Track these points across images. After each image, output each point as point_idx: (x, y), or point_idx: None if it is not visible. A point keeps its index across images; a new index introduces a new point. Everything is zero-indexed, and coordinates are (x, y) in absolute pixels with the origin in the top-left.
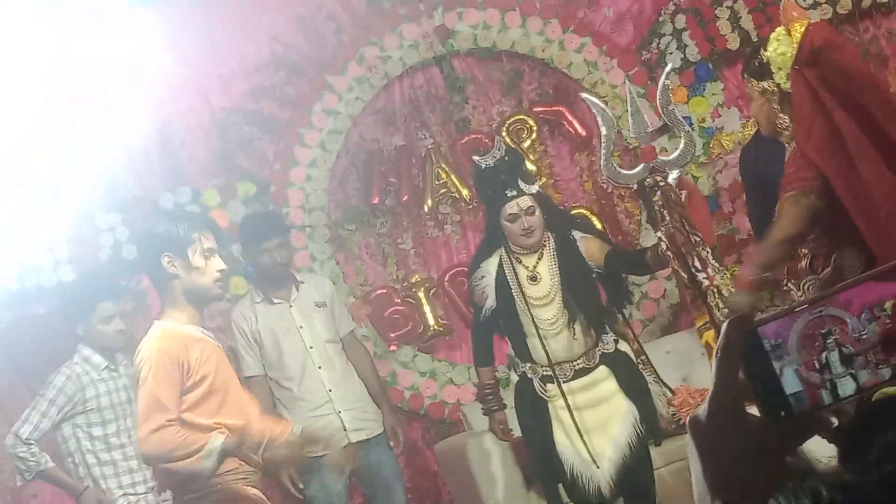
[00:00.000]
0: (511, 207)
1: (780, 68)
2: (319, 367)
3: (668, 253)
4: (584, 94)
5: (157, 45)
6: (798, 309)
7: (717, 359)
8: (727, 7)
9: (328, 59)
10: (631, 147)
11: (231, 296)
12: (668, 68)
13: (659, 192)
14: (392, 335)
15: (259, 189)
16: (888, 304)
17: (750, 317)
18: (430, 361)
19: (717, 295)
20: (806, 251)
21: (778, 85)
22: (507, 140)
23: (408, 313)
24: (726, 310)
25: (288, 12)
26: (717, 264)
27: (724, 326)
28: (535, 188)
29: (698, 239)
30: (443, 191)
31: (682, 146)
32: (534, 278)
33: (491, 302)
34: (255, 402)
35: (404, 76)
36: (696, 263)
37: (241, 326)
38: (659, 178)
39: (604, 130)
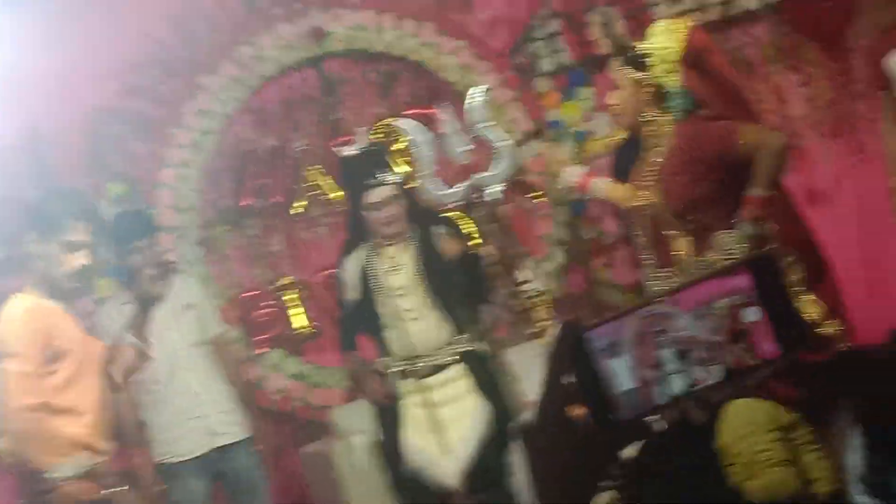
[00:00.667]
0: (372, 196)
1: (662, 62)
2: (187, 371)
3: (494, 267)
4: (399, 121)
5: (29, 41)
6: (633, 309)
7: (546, 364)
8: (600, 12)
9: (202, 58)
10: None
11: (98, 298)
12: (484, 87)
13: (483, 209)
14: (260, 338)
15: (130, 189)
16: (722, 303)
17: (580, 321)
18: (300, 364)
19: (541, 304)
20: (682, 232)
21: (654, 79)
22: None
23: (277, 316)
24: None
25: (162, 11)
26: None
27: (556, 331)
28: (397, 177)
29: (522, 251)
30: (315, 192)
31: (501, 163)
32: (394, 268)
33: (354, 293)
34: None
35: (279, 77)
36: (520, 276)
37: (108, 329)
38: (480, 196)
39: (424, 150)
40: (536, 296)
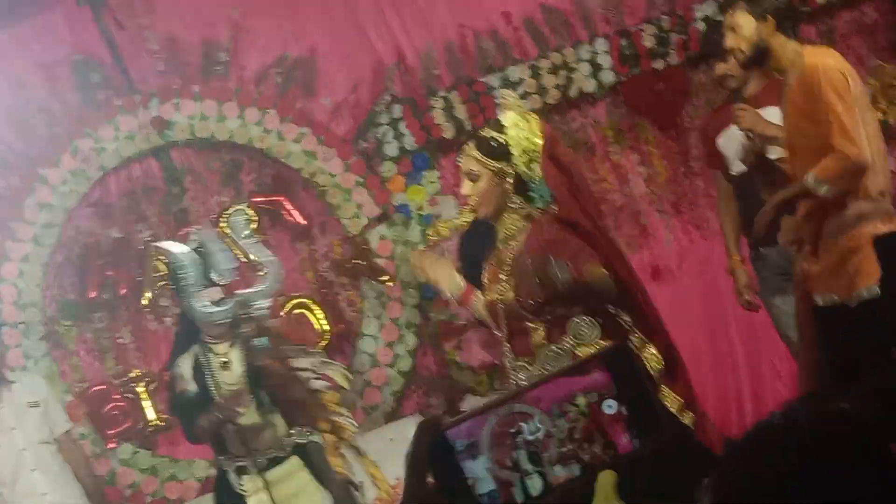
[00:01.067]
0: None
1: (524, 152)
2: (33, 470)
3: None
4: (161, 243)
5: None
6: (490, 407)
7: (405, 464)
8: (441, 97)
9: (40, 152)
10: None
11: None
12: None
13: (250, 324)
14: (110, 432)
15: None
16: (580, 400)
17: (438, 420)
18: (151, 457)
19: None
20: (538, 324)
21: (516, 168)
22: (228, 231)
23: (127, 409)
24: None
25: None
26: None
27: (415, 430)
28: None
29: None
30: (161, 283)
31: (267, 276)
32: (224, 364)
33: (191, 388)
34: None
35: (121, 168)
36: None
37: None
38: (248, 312)
39: (189, 270)
40: (324, 391)
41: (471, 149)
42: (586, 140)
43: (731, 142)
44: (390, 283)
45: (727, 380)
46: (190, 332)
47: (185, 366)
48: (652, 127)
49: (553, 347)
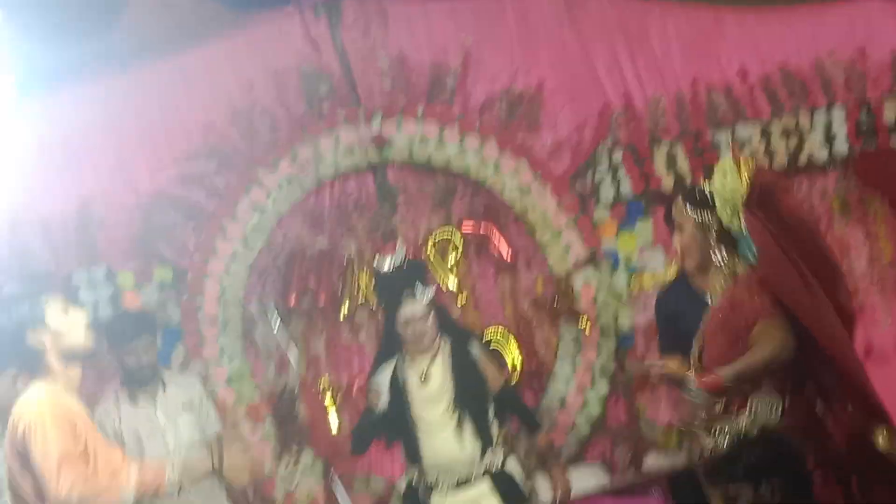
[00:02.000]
0: (405, 313)
1: (725, 201)
2: None
3: None
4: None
5: (88, 116)
6: None
7: None
8: (664, 147)
9: (260, 153)
10: None
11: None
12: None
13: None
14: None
15: (175, 276)
16: None
17: None
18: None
19: None
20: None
21: (719, 219)
22: (432, 255)
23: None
24: None
25: (224, 103)
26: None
27: None
28: (430, 293)
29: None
30: (361, 300)
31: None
32: (425, 378)
33: (383, 403)
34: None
35: (336, 180)
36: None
37: (104, 424)
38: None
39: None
40: None
41: (679, 199)
42: (811, 209)
43: None
44: (589, 328)
45: None
46: (393, 345)
47: (382, 378)
48: (882, 203)
49: (727, 422)
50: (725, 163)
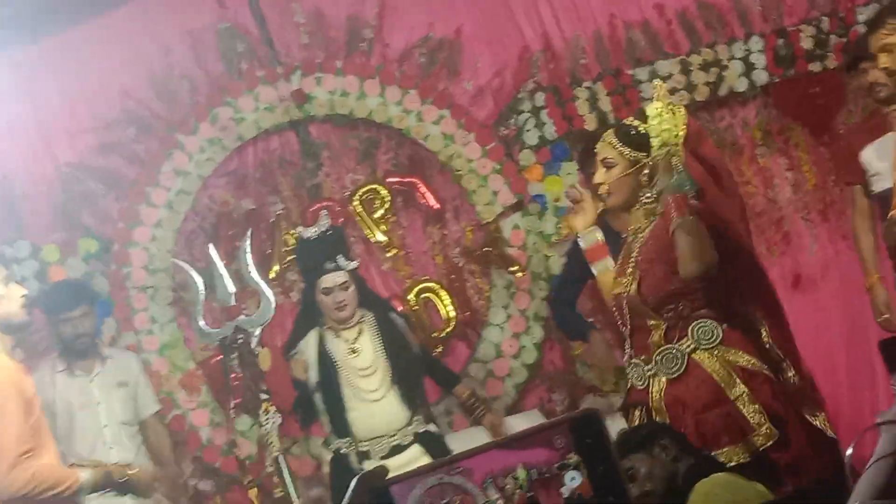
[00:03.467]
0: (326, 281)
1: (663, 144)
2: (111, 448)
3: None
4: (175, 259)
5: (3, 91)
6: (421, 473)
7: None
8: (586, 88)
9: (180, 117)
10: None
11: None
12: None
13: (236, 351)
14: (233, 403)
15: (101, 247)
16: (520, 474)
17: (381, 474)
18: None
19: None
20: (659, 322)
21: (655, 159)
22: (360, 209)
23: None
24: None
25: (141, 69)
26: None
27: (353, 482)
28: (352, 265)
29: (266, 397)
30: (290, 258)
31: (261, 306)
32: (354, 351)
33: (314, 376)
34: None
35: (258, 139)
36: (264, 417)
37: (43, 394)
38: (240, 337)
39: (201, 289)
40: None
41: (610, 136)
42: (733, 140)
43: (884, 150)
44: (520, 274)
45: (864, 396)
46: (312, 315)
47: (308, 350)
48: (803, 131)
49: (669, 348)
50: (660, 105)
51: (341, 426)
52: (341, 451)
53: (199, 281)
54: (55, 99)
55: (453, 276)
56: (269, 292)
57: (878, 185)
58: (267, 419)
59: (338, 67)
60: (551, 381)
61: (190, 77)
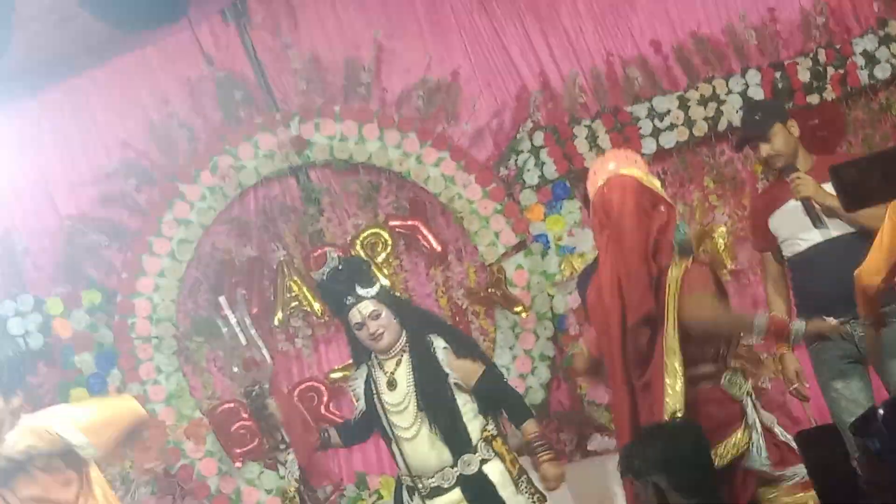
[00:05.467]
0: (354, 316)
1: None
2: None
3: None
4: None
5: (4, 147)
6: None
7: None
8: (585, 126)
9: (180, 167)
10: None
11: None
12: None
13: (253, 402)
14: (238, 451)
15: (105, 298)
16: None
17: None
18: (277, 479)
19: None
20: None
21: None
22: (362, 254)
23: (255, 429)
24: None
25: (140, 118)
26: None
27: None
28: (374, 290)
29: (284, 446)
30: (294, 304)
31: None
32: (391, 383)
33: (360, 406)
34: None
35: (259, 186)
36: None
37: None
38: (256, 388)
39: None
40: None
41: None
42: (734, 175)
43: (787, 218)
44: (525, 314)
45: None
46: (359, 353)
47: (358, 381)
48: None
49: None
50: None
51: (394, 457)
52: (400, 482)
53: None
54: (56, 151)
55: (458, 319)
56: (263, 350)
57: (788, 251)
58: (287, 467)
59: (336, 112)
60: (559, 421)
61: (189, 125)
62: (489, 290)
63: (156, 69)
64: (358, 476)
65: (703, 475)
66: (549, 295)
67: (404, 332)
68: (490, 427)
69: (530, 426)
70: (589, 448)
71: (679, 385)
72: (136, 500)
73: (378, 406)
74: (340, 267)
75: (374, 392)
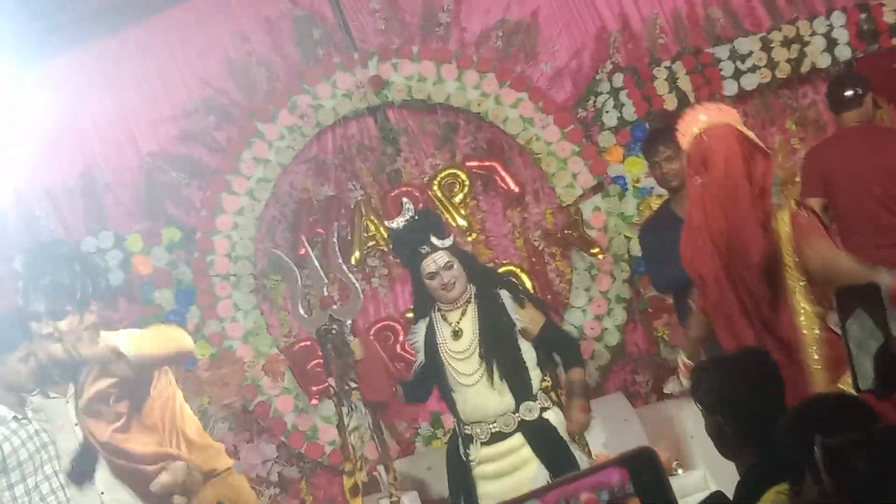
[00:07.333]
0: (428, 265)
1: None
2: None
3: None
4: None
5: (87, 85)
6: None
7: None
8: (665, 67)
9: (259, 105)
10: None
11: None
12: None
13: (330, 342)
14: (314, 389)
15: (184, 235)
16: (583, 496)
17: None
18: (356, 418)
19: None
20: None
21: None
22: (439, 194)
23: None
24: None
25: (220, 57)
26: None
27: None
28: (448, 241)
29: (354, 388)
30: (371, 243)
31: (350, 297)
32: (456, 332)
33: (420, 358)
34: None
35: (337, 126)
36: (347, 415)
37: None
38: (334, 326)
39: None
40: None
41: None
42: (816, 117)
43: None
44: (601, 256)
45: None
46: (424, 303)
47: (418, 335)
48: (888, 106)
49: None
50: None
51: (452, 408)
52: (455, 432)
53: (297, 270)
54: (137, 89)
55: (534, 260)
56: (356, 284)
57: None
58: (353, 407)
59: (414, 53)
60: (635, 363)
61: (268, 64)
62: (566, 232)
63: (235, 8)
64: (433, 416)
65: (761, 417)
66: (625, 237)
67: (469, 285)
68: (547, 378)
69: (577, 373)
70: (665, 391)
71: (811, 322)
72: (215, 435)
73: (441, 355)
74: (416, 217)
75: (436, 343)
